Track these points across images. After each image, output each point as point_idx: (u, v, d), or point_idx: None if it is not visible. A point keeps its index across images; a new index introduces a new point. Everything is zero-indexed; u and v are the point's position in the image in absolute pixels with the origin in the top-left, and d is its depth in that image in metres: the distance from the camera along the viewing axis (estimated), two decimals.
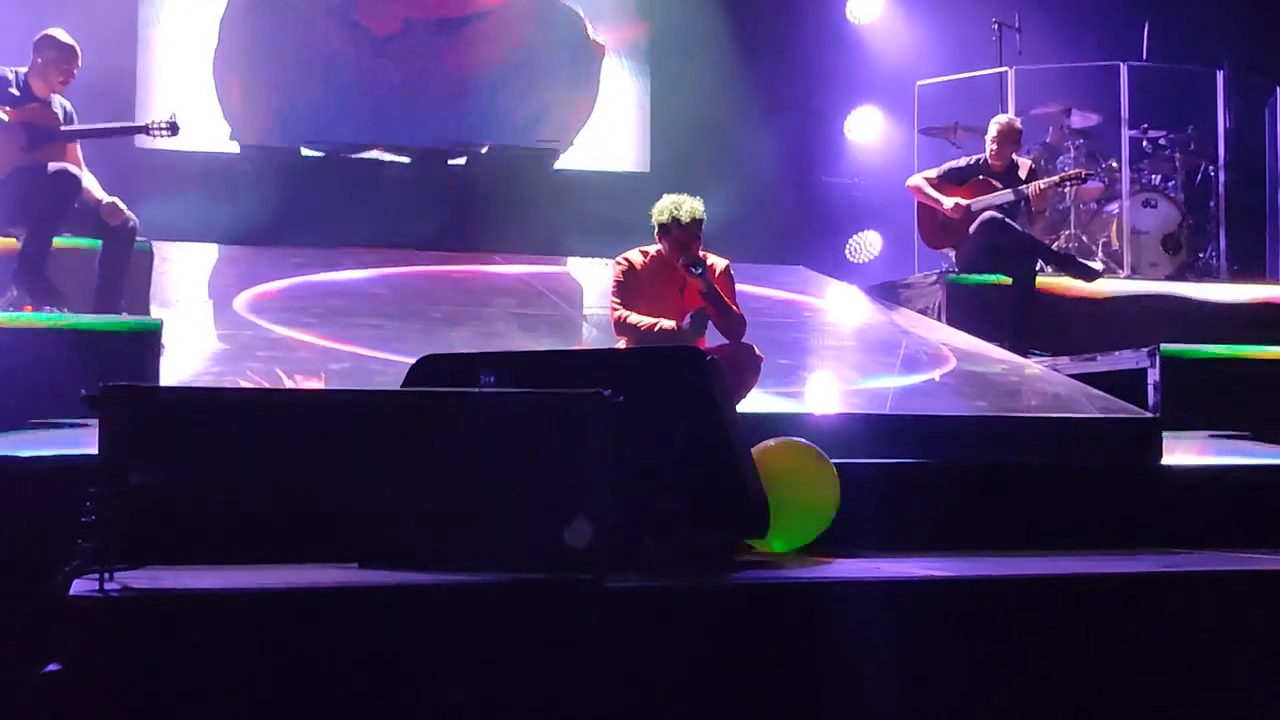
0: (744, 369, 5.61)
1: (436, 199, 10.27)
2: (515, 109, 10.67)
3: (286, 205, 9.83)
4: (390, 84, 10.49)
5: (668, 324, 5.74)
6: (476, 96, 10.60)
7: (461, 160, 10.74)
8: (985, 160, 8.73)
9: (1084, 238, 9.63)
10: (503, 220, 10.24)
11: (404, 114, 10.48)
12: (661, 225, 5.84)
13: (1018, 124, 8.80)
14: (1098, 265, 8.85)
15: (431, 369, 4.29)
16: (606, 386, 3.62)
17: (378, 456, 3.60)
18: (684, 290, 5.87)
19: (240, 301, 7.96)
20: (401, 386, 4.32)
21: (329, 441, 3.59)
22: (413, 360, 4.37)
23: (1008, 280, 8.46)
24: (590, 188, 10.78)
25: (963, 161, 8.88)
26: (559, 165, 10.88)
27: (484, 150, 10.71)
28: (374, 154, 10.58)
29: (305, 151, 10.47)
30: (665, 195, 5.90)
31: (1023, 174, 8.69)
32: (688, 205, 5.82)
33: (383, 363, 6.36)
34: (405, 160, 10.62)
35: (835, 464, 4.63)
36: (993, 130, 8.72)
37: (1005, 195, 8.58)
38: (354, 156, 10.54)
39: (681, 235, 5.79)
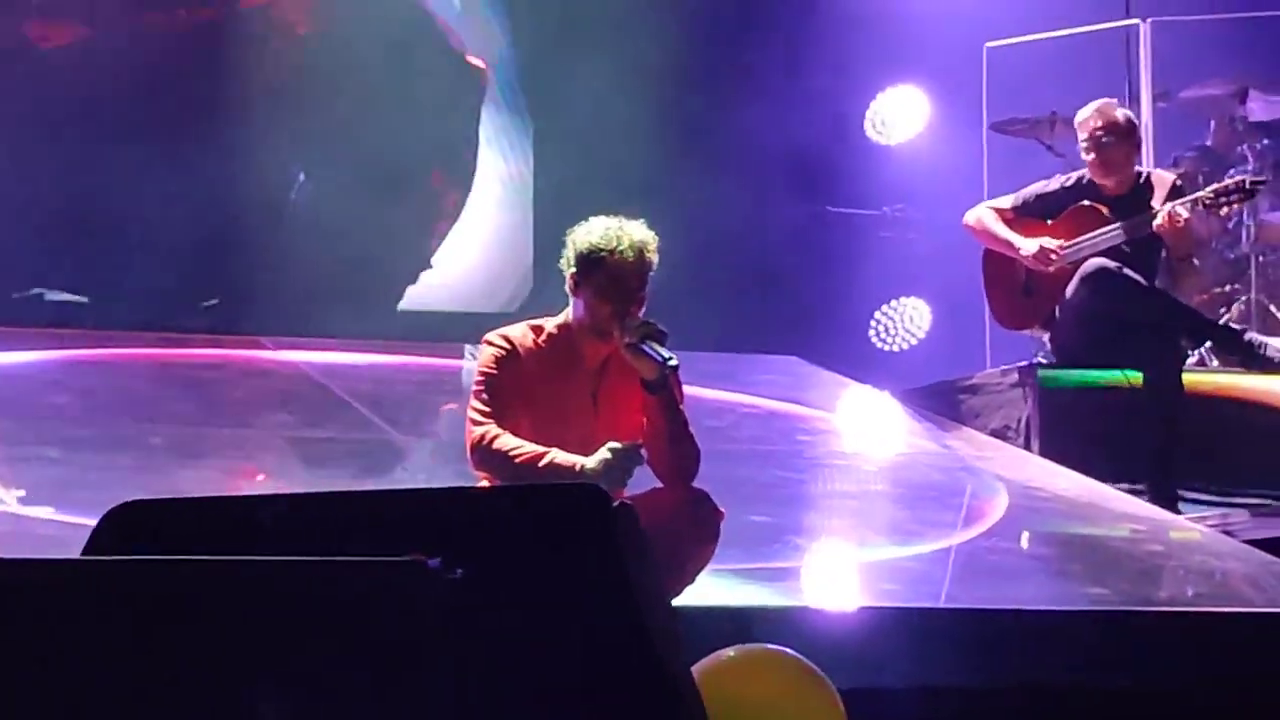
0: (690, 533, 5.69)
1: (161, 244, 10.33)
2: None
3: None
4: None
5: (565, 459, 5.76)
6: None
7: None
8: (1088, 179, 8.73)
9: (1272, 306, 9.72)
10: (282, 279, 10.29)
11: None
12: (584, 263, 5.85)
13: (1119, 113, 8.75)
14: None
15: (134, 525, 4.26)
16: (438, 552, 3.57)
17: (26, 677, 3.51)
18: (597, 398, 5.91)
19: None
20: (83, 554, 4.26)
21: None
22: None
23: (1137, 378, 8.52)
24: None
25: (1055, 184, 8.90)
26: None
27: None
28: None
29: None
30: (591, 219, 5.92)
31: (1159, 197, 8.64)
32: (632, 234, 5.83)
33: (59, 527, 6.48)
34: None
35: (842, 691, 4.60)
36: (1087, 123, 8.69)
37: (1114, 233, 8.53)
38: None
39: (619, 285, 5.80)
